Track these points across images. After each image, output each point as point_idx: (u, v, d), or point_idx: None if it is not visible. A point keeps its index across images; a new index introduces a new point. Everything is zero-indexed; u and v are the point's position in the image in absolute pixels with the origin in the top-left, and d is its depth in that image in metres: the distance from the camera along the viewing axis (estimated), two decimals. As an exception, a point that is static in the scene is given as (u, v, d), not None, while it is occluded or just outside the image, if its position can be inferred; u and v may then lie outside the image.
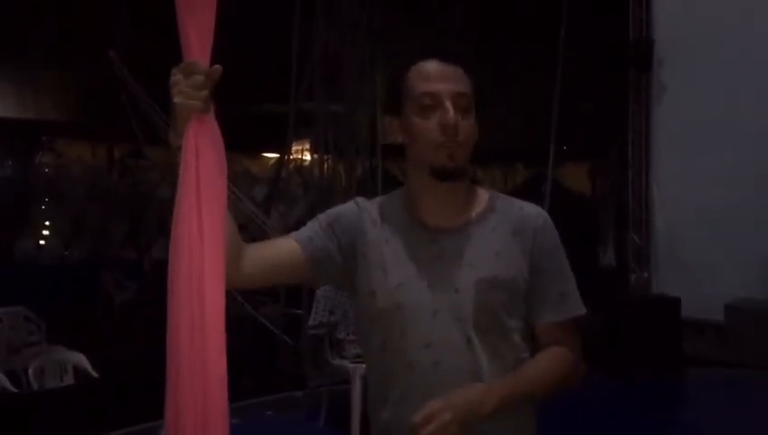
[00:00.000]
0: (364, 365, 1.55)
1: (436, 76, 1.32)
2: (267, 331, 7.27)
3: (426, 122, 1.32)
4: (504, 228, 1.37)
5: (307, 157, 10.11)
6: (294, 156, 9.81)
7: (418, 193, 1.39)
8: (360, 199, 1.47)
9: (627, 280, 8.34)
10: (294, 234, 1.41)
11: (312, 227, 1.41)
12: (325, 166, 7.85)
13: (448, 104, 1.30)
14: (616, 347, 6.57)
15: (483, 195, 1.43)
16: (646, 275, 8.26)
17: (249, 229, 9.35)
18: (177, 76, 1.16)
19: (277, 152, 10.66)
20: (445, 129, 1.30)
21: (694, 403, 6.09)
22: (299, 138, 9.05)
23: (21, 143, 12.30)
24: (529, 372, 1.34)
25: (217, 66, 1.17)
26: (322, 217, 1.43)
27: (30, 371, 3.91)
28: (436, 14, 9.49)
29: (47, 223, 12.51)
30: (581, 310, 1.40)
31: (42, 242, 12.27)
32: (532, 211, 1.41)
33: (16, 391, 3.90)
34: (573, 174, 12.27)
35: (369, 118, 7.90)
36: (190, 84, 1.15)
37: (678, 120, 7.92)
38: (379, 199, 1.47)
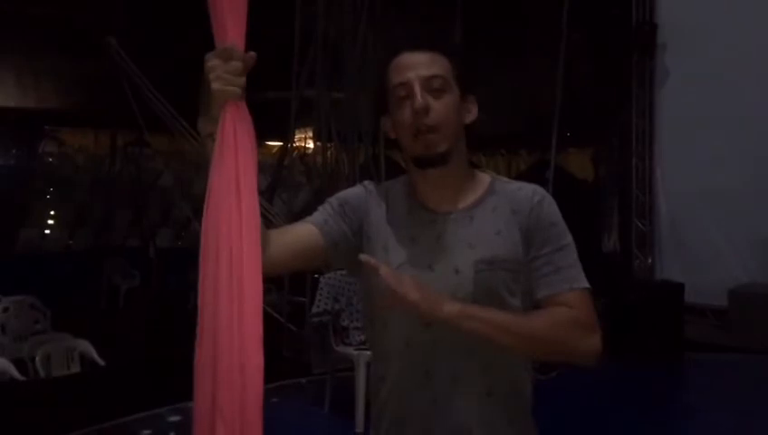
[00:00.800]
0: (368, 352, 1.55)
1: (406, 66, 1.34)
2: (272, 318, 7.30)
3: (401, 112, 1.34)
4: (503, 209, 1.38)
5: (310, 144, 10.11)
6: (297, 144, 9.80)
7: (418, 181, 1.41)
8: (367, 182, 1.49)
9: (630, 266, 8.35)
10: (310, 218, 1.42)
11: (325, 211, 1.43)
12: (328, 153, 7.85)
13: (417, 89, 1.31)
14: (619, 332, 6.58)
15: (483, 178, 1.44)
16: (649, 260, 8.27)
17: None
18: (213, 61, 1.16)
19: (280, 140, 10.65)
20: (415, 112, 1.31)
21: (696, 388, 6.10)
22: (302, 125, 9.05)
23: (23, 133, 12.29)
24: (514, 314, 1.31)
25: (252, 53, 1.17)
26: (333, 201, 1.45)
27: (37, 358, 3.93)
28: (437, 1, 9.44)
29: (51, 212, 12.53)
30: (582, 283, 1.36)
31: (46, 231, 12.30)
32: (530, 189, 1.42)
33: (23, 378, 3.93)
34: (576, 160, 12.24)
35: (371, 105, 7.88)
36: (229, 70, 1.15)
37: (681, 105, 7.90)
38: (385, 183, 1.49)
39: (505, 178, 1.46)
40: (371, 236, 1.41)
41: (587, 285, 1.37)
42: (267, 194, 9.92)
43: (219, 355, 1.10)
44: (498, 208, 1.38)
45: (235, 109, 1.17)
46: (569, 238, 1.40)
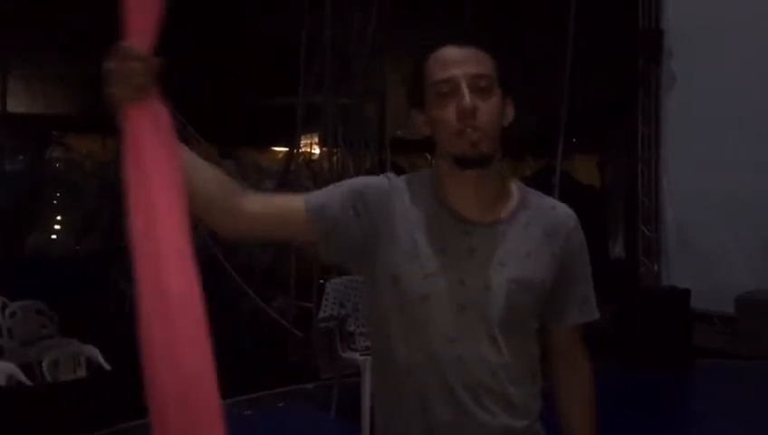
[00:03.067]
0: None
1: (451, 61, 1.27)
2: (278, 324, 7.30)
3: (444, 111, 1.26)
4: (536, 228, 1.34)
5: (316, 150, 10.13)
6: (303, 149, 9.82)
7: (446, 182, 1.33)
8: (391, 176, 1.38)
9: (636, 272, 8.32)
10: (307, 196, 1.34)
11: (330, 195, 1.33)
12: (334, 159, 7.86)
13: (464, 88, 1.24)
14: (626, 339, 6.56)
15: (513, 188, 1.38)
16: (656, 266, 8.24)
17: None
18: (111, 63, 1.10)
19: (286, 146, 10.67)
20: (461, 113, 1.24)
21: (703, 395, 6.07)
22: (308, 131, 9.06)
23: (31, 138, 12.35)
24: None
25: (157, 59, 1.10)
26: (347, 188, 1.34)
27: (44, 363, 3.95)
28: (443, 5, 9.46)
29: (58, 217, 12.58)
30: (596, 315, 1.42)
31: (53, 236, 12.34)
32: (563, 211, 1.38)
33: (31, 383, 3.94)
34: (583, 166, 12.23)
35: (377, 110, 7.90)
36: (125, 71, 1.09)
37: (689, 112, 7.88)
38: (407, 178, 1.38)
39: (534, 191, 1.41)
40: (395, 238, 1.30)
41: (598, 315, 1.42)
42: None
43: (156, 366, 1.10)
44: (531, 226, 1.34)
45: (134, 111, 1.10)
46: (590, 264, 1.41)
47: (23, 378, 3.90)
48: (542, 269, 1.32)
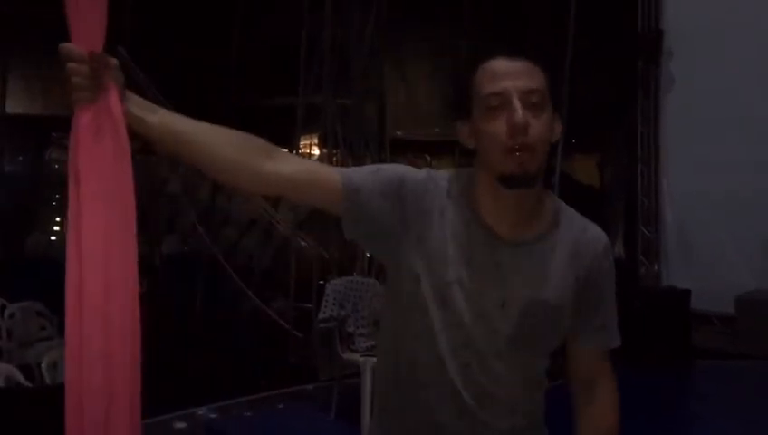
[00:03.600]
0: (374, 359, 1.54)
1: (503, 74, 1.24)
2: (278, 325, 7.30)
3: (493, 124, 1.22)
4: (563, 250, 1.31)
5: (316, 151, 10.12)
6: (303, 150, 9.82)
7: (484, 194, 1.30)
8: (434, 174, 1.34)
9: (636, 272, 8.32)
10: (346, 172, 1.30)
11: (369, 179, 1.29)
12: (334, 160, 7.86)
13: (516, 102, 1.21)
14: (625, 339, 6.54)
15: (549, 204, 1.35)
16: (656, 267, 8.24)
17: (258, 224, 9.38)
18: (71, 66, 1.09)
19: (285, 146, 10.67)
20: (513, 129, 1.20)
21: (704, 396, 6.07)
22: (307, 131, 9.07)
23: (31, 139, 12.36)
24: None
25: (105, 56, 1.09)
26: (387, 177, 1.30)
27: (43, 365, 3.93)
28: (442, 6, 9.46)
29: (57, 219, 12.58)
30: (618, 342, 1.41)
31: (53, 237, 12.34)
32: (594, 236, 1.36)
33: (30, 384, 3.93)
34: (582, 166, 12.22)
35: (377, 111, 7.89)
36: (69, 72, 1.09)
37: (688, 112, 7.88)
38: (450, 177, 1.34)
39: (569, 209, 1.37)
40: (427, 240, 1.28)
41: (620, 343, 1.42)
42: (272, 201, 9.94)
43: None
44: (557, 248, 1.31)
45: (87, 112, 1.09)
46: (614, 291, 1.38)
47: (21, 379, 3.89)
48: (561, 292, 1.30)
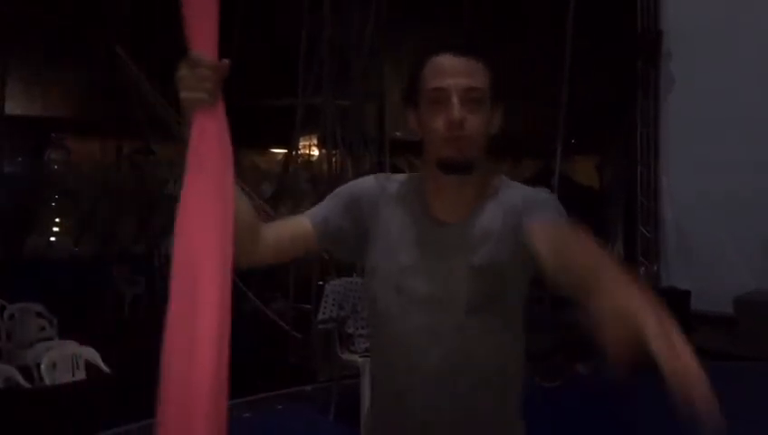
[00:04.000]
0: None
1: (446, 71, 1.32)
2: (277, 326, 7.30)
3: (434, 117, 1.32)
4: (498, 211, 1.37)
5: (315, 152, 10.13)
6: (302, 151, 9.82)
7: (431, 187, 1.40)
8: (381, 177, 1.49)
9: (636, 273, 8.31)
10: (311, 214, 1.43)
11: (329, 206, 1.44)
12: (333, 161, 7.86)
13: (455, 100, 1.30)
14: (625, 340, 6.55)
15: (496, 183, 1.42)
16: (655, 268, 8.24)
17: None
18: (182, 71, 1.17)
19: (285, 147, 10.67)
20: (449, 124, 1.29)
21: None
22: (307, 132, 9.06)
23: (30, 140, 12.36)
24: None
25: (225, 61, 1.17)
26: (343, 194, 1.45)
27: (42, 365, 3.93)
28: (441, 6, 9.46)
29: (57, 219, 12.58)
30: (563, 217, 1.34)
31: (52, 238, 12.34)
32: (529, 190, 1.41)
33: (29, 385, 3.93)
34: (581, 168, 12.23)
35: (377, 112, 7.90)
36: (195, 77, 1.15)
37: (687, 112, 7.89)
38: (399, 179, 1.47)
39: (516, 184, 1.43)
40: (378, 235, 1.41)
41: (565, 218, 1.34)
42: (272, 201, 9.94)
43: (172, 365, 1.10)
44: (496, 213, 1.37)
45: (203, 115, 1.17)
46: (562, 213, 1.35)
47: (21, 380, 3.89)
48: (508, 248, 1.34)
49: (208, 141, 1.17)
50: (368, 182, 1.47)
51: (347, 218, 1.42)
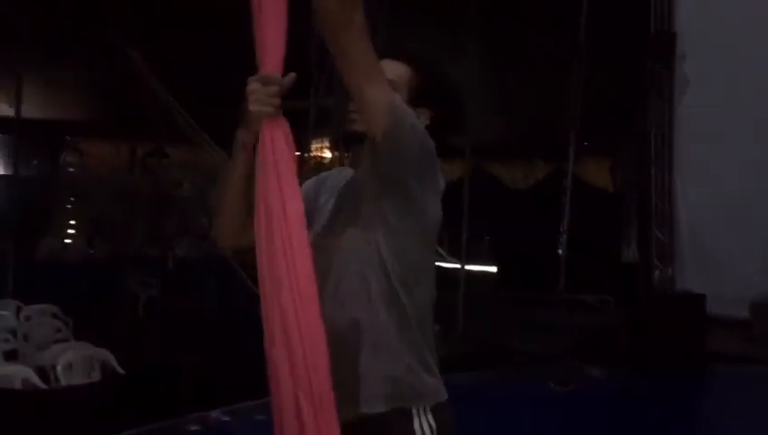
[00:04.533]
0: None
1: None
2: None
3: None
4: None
5: (327, 154, 10.14)
6: (314, 153, 9.84)
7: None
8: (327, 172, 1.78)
9: (650, 276, 8.26)
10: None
11: (305, 190, 1.61)
12: (345, 163, 7.88)
13: None
14: (640, 344, 6.52)
15: None
16: (670, 271, 8.18)
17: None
18: (253, 85, 1.33)
19: (297, 150, 10.70)
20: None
21: (718, 401, 6.02)
22: (319, 134, 9.09)
23: (45, 143, 12.47)
24: None
25: (292, 74, 1.34)
26: (307, 183, 1.71)
27: (58, 367, 3.97)
28: (453, 8, 9.46)
29: (72, 222, 12.68)
30: None
31: (67, 241, 12.43)
32: None
33: (45, 386, 3.96)
34: (594, 170, 12.17)
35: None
36: (266, 93, 1.32)
37: (702, 114, 7.83)
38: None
39: None
40: (320, 197, 1.67)
41: None
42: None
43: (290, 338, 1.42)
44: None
45: (271, 124, 1.34)
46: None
47: (37, 381, 3.92)
48: (361, 176, 1.55)
49: (279, 146, 1.34)
50: (320, 174, 1.74)
51: (313, 196, 1.64)
